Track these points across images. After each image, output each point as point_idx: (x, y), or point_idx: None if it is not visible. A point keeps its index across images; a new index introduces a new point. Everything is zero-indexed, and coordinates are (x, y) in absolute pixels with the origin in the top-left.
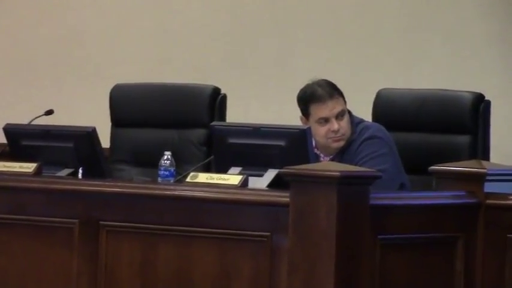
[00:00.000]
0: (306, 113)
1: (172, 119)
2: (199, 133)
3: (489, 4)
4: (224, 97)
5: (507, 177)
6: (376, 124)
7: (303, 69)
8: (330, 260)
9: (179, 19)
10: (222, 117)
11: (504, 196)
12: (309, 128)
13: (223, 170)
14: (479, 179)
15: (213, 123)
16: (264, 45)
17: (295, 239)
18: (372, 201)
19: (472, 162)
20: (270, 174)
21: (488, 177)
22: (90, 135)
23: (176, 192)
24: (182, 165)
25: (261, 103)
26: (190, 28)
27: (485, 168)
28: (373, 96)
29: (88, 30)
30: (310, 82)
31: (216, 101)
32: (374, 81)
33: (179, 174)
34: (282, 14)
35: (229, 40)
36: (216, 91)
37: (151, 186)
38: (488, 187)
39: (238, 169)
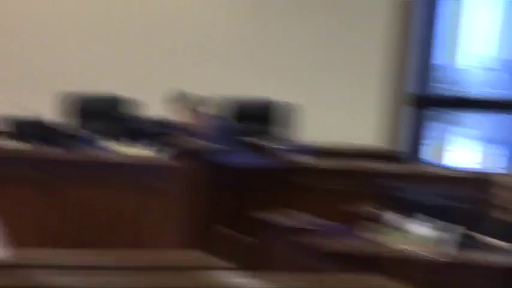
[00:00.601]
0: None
1: (89, 113)
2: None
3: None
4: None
5: (286, 148)
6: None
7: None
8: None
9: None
10: (120, 112)
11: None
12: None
13: (129, 145)
14: (264, 150)
15: (115, 113)
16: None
17: (165, 184)
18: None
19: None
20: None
21: (272, 149)
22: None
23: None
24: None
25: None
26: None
27: (274, 143)
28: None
29: (36, 45)
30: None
31: (117, 103)
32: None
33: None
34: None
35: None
36: (116, 97)
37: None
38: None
39: (139, 144)
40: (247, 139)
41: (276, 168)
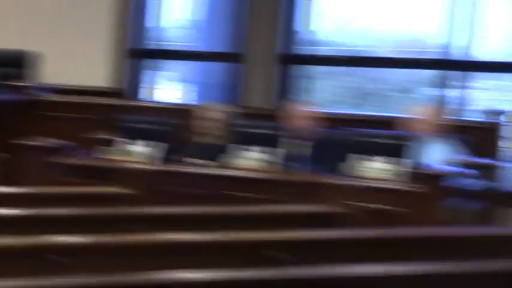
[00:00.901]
0: None
1: None
2: None
3: None
4: None
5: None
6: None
7: None
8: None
9: None
10: None
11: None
12: None
13: None
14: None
15: None
16: None
17: None
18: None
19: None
20: None
21: (24, 88)
22: None
23: None
24: None
25: None
26: None
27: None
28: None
29: None
30: None
31: None
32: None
33: None
34: None
35: None
36: None
37: None
38: None
39: None
40: (3, 81)
41: (28, 103)
